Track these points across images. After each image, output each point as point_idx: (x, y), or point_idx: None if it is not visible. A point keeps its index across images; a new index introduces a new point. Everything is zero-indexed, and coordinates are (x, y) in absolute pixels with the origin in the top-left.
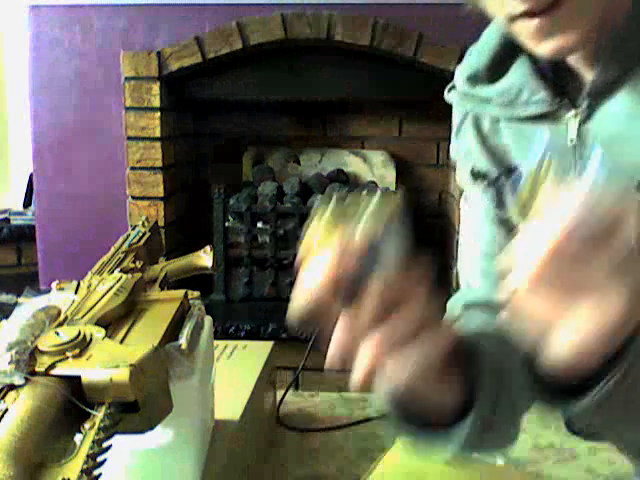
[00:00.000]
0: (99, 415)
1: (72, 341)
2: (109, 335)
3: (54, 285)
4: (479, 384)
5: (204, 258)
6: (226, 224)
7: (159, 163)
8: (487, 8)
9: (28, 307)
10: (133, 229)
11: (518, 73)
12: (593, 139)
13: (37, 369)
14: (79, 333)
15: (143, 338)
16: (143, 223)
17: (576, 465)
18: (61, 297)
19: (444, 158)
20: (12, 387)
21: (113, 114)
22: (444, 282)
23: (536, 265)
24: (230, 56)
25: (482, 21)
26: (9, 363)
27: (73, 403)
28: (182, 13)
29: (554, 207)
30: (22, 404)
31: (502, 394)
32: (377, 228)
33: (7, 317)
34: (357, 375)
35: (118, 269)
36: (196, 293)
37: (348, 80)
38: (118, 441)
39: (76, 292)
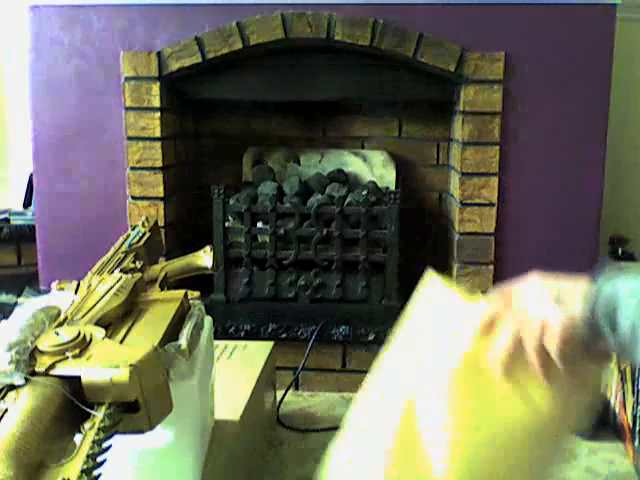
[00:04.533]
0: (99, 415)
1: (72, 341)
2: (109, 335)
3: (54, 285)
4: None
5: (204, 258)
6: (226, 224)
7: (159, 163)
8: None
9: (28, 307)
10: (133, 229)
11: None
12: None
13: (37, 369)
14: (79, 333)
15: (143, 338)
16: (143, 223)
17: (576, 465)
18: (61, 297)
19: (444, 158)
20: (12, 387)
21: (113, 114)
22: None
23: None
24: (230, 56)
25: (482, 22)
26: (9, 363)
27: (73, 403)
28: (182, 13)
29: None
30: (22, 404)
31: None
32: None
33: (7, 317)
34: None
35: (118, 269)
36: (196, 293)
37: (348, 80)
38: (118, 441)
39: (76, 292)
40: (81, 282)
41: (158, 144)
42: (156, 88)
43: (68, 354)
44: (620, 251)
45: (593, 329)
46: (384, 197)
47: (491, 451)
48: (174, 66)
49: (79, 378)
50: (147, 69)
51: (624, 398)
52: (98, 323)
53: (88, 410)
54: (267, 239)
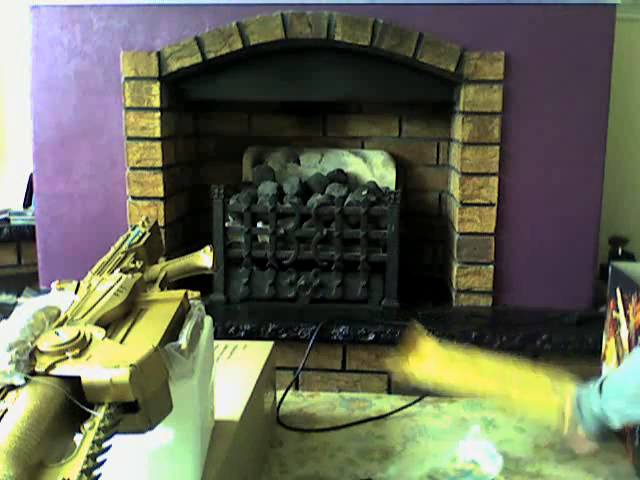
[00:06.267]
0: (99, 415)
1: (72, 341)
2: (109, 335)
3: (54, 285)
4: None
5: (204, 258)
6: (226, 224)
7: (159, 163)
8: None
9: (28, 307)
10: (133, 229)
11: None
12: None
13: (37, 369)
14: (79, 333)
15: (143, 338)
16: (143, 223)
17: (576, 465)
18: (61, 297)
19: (444, 158)
20: (12, 387)
21: (113, 114)
22: (444, 282)
23: None
24: (230, 56)
25: (482, 22)
26: (9, 363)
27: (73, 403)
28: (182, 13)
29: None
30: (22, 404)
31: None
32: None
33: (7, 317)
34: None
35: (118, 269)
36: (196, 293)
37: (348, 80)
38: (118, 441)
39: (76, 292)
40: (81, 282)
41: (158, 144)
42: (156, 88)
43: (68, 354)
44: (620, 251)
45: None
46: (384, 197)
47: None
48: (174, 66)
49: (79, 378)
50: (147, 69)
51: None
52: (98, 323)
53: (88, 410)
54: (267, 239)
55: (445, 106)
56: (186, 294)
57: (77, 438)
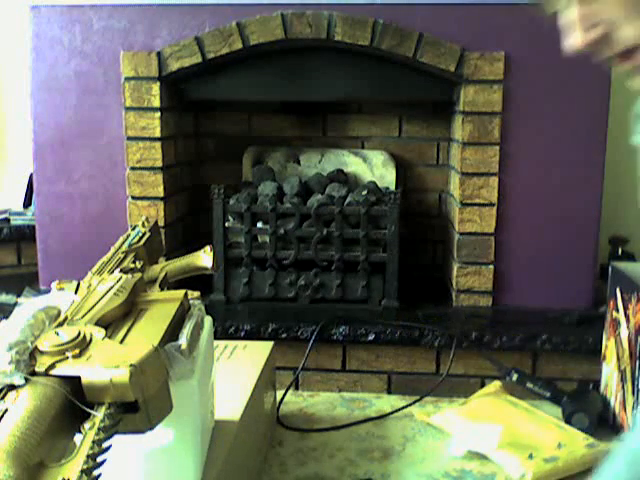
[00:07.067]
0: (99, 415)
1: (72, 341)
2: (109, 335)
3: (54, 285)
4: None
5: (204, 258)
6: (226, 224)
7: (159, 163)
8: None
9: (28, 307)
10: (133, 229)
11: None
12: None
13: (37, 369)
14: (79, 333)
15: (143, 338)
16: (143, 223)
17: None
18: (61, 297)
19: (444, 158)
20: (12, 387)
21: (113, 114)
22: (444, 282)
23: None
24: (230, 56)
25: (482, 22)
26: (9, 363)
27: (73, 403)
28: (182, 13)
29: None
30: (22, 404)
31: None
32: None
33: (7, 317)
34: None
35: (118, 269)
36: (196, 293)
37: (348, 80)
38: (118, 441)
39: (76, 292)
40: (81, 282)
41: (158, 144)
42: (156, 88)
43: (68, 354)
44: (620, 251)
45: None
46: (384, 197)
47: None
48: (174, 66)
49: (79, 378)
50: (147, 69)
51: (624, 398)
52: (98, 323)
53: (88, 410)
54: (267, 239)
55: (445, 106)
56: (186, 294)
57: (77, 438)
